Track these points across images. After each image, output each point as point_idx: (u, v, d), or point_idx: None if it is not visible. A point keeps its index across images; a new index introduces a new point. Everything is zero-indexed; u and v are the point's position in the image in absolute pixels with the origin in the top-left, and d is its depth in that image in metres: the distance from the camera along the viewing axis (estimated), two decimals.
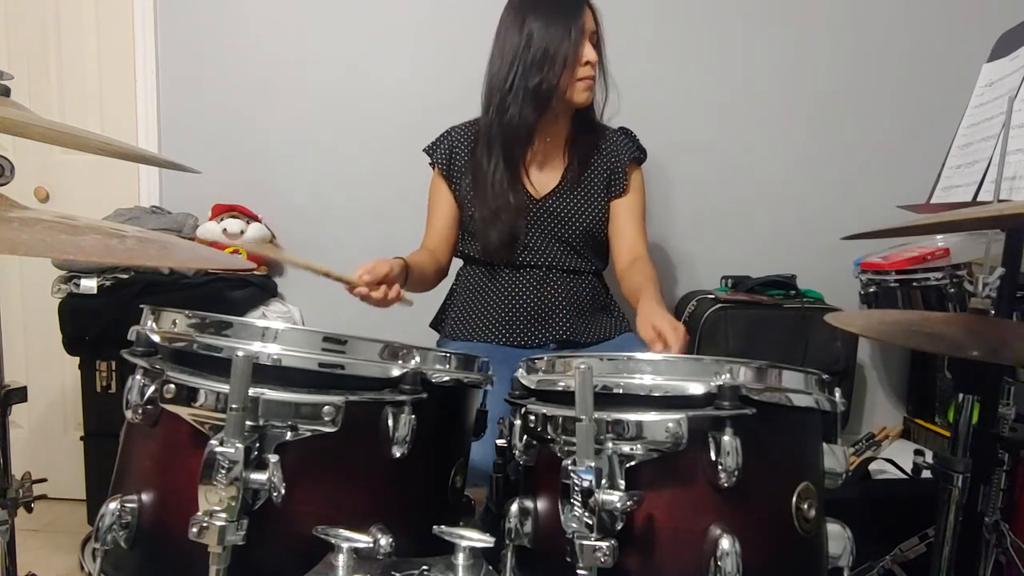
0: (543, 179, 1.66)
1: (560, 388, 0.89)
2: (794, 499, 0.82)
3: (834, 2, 2.25)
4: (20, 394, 1.14)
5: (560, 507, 0.79)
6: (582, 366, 0.74)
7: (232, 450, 0.72)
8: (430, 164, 1.72)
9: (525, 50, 1.53)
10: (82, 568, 0.85)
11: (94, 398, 2.03)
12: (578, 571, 0.72)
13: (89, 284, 1.92)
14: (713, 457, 0.76)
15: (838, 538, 0.89)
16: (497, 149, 1.60)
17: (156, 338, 0.87)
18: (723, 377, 0.79)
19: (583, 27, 1.53)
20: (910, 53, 2.25)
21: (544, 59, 1.52)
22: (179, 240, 1.05)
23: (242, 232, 2.15)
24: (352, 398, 0.80)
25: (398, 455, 0.83)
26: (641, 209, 1.72)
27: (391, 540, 0.80)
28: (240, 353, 0.73)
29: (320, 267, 1.24)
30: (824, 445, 0.90)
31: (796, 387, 0.85)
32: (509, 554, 0.88)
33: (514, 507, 0.89)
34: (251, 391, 0.74)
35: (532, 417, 0.87)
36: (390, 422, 0.83)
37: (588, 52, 1.54)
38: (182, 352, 0.85)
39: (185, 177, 2.00)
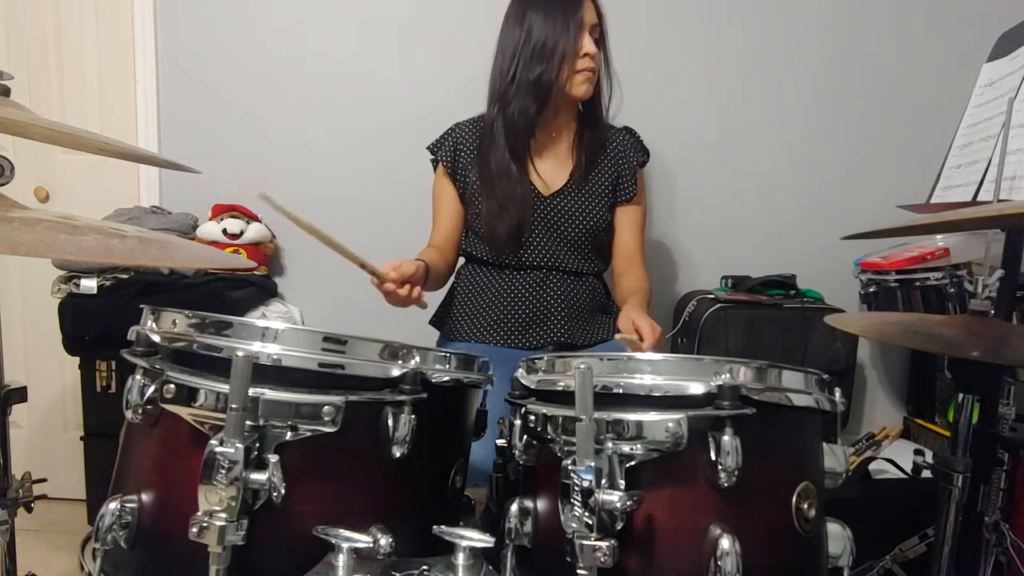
0: (550, 176, 1.66)
1: (560, 388, 0.89)
2: (794, 499, 0.82)
3: (834, 2, 2.25)
4: (20, 394, 1.14)
5: (560, 507, 0.79)
6: (582, 366, 0.74)
7: (232, 450, 0.72)
8: (432, 161, 1.72)
9: (525, 43, 1.54)
10: (82, 568, 0.85)
11: (94, 398, 2.03)
12: (578, 571, 0.72)
13: (89, 284, 1.92)
14: (713, 457, 0.76)
15: (838, 538, 0.89)
16: (502, 143, 1.61)
17: (156, 338, 0.87)
18: (723, 377, 0.79)
19: (582, 19, 1.54)
20: (910, 53, 2.25)
21: (543, 51, 1.53)
22: (179, 240, 1.06)
23: (242, 232, 2.15)
24: (352, 398, 0.80)
25: (398, 455, 0.83)
26: (643, 215, 1.74)
27: (391, 540, 0.80)
28: (240, 353, 0.73)
29: (355, 255, 1.22)
30: (824, 445, 0.90)
31: (796, 387, 0.85)
32: (509, 554, 0.88)
33: (514, 507, 0.89)
34: (251, 391, 0.74)
35: (532, 417, 0.87)
36: (390, 422, 0.83)
37: (587, 44, 1.54)
38: (182, 352, 0.85)
39: (185, 177, 2.00)
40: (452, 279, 1.78)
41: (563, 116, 1.66)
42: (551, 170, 1.67)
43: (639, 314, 1.39)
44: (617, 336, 1.38)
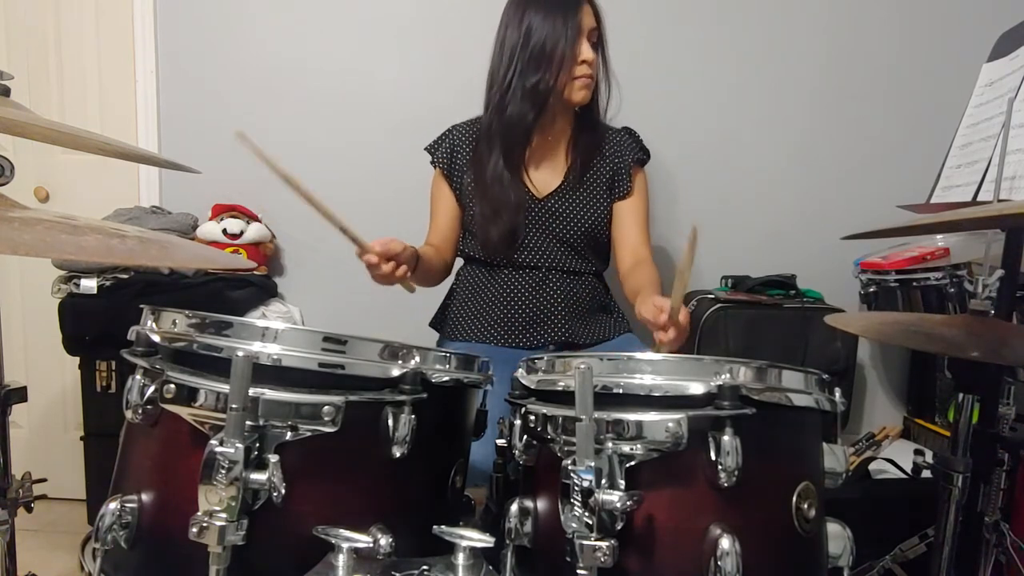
0: (545, 178, 1.66)
1: (560, 388, 0.89)
2: (794, 499, 0.82)
3: (834, 2, 2.25)
4: (20, 394, 1.14)
5: (560, 507, 0.79)
6: (582, 366, 0.74)
7: (232, 450, 0.72)
8: (431, 163, 1.72)
9: (523, 48, 1.53)
10: (82, 568, 0.85)
11: (94, 398, 2.03)
12: (578, 571, 0.72)
13: (89, 284, 1.92)
14: (713, 457, 0.76)
15: (838, 538, 0.89)
16: (497, 147, 1.61)
17: (156, 338, 0.87)
18: (723, 377, 0.79)
19: (580, 25, 1.52)
20: (910, 53, 2.25)
21: (541, 58, 1.52)
22: (179, 240, 1.06)
23: (242, 232, 2.15)
24: (352, 398, 0.80)
25: (398, 455, 0.83)
26: (645, 211, 1.71)
27: (391, 540, 0.80)
28: (240, 353, 0.73)
29: (338, 219, 1.22)
30: (824, 445, 0.90)
31: (796, 387, 0.85)
32: (509, 554, 0.88)
33: (514, 507, 0.89)
34: (251, 391, 0.74)
35: (532, 417, 0.87)
36: (390, 422, 0.83)
37: (585, 51, 1.53)
38: (182, 352, 0.85)
39: (185, 177, 2.00)
40: (451, 280, 1.78)
41: (560, 121, 1.65)
42: (546, 172, 1.67)
43: (660, 298, 1.22)
44: (643, 312, 1.23)
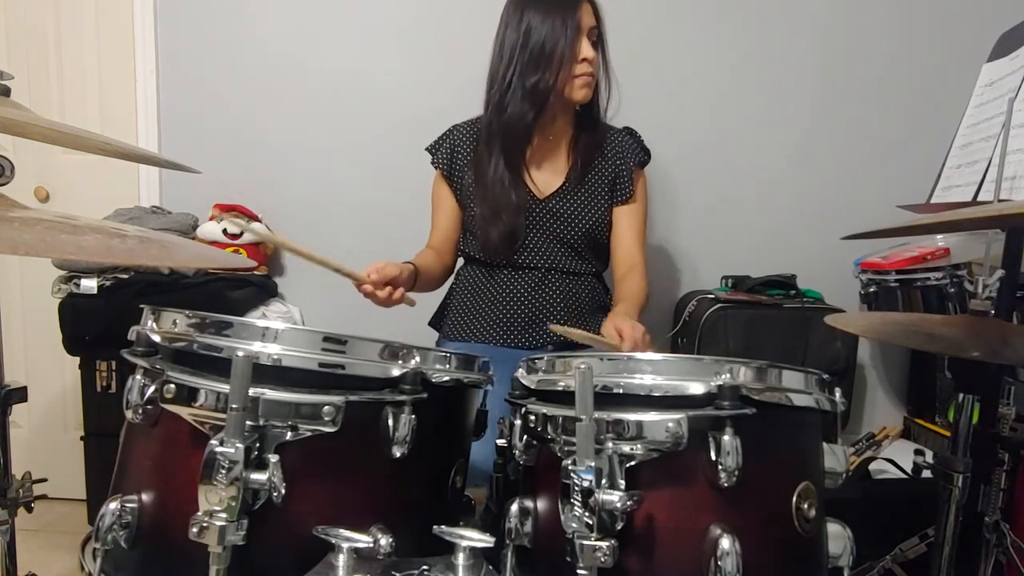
0: (546, 179, 1.66)
1: (560, 388, 0.89)
2: (794, 499, 0.82)
3: (834, 2, 2.25)
4: (20, 394, 1.14)
5: (560, 507, 0.79)
6: (582, 366, 0.74)
7: (232, 450, 0.72)
8: (432, 164, 1.72)
9: (523, 48, 1.53)
10: (82, 568, 0.85)
11: (94, 398, 2.03)
12: (578, 571, 0.72)
13: (89, 284, 1.92)
14: (713, 457, 0.76)
15: (838, 538, 0.89)
16: (497, 147, 1.60)
17: (156, 338, 0.87)
18: (723, 377, 0.79)
19: (580, 23, 1.52)
20: (910, 53, 2.25)
21: (541, 57, 1.52)
22: (179, 240, 1.06)
23: (242, 232, 2.15)
24: (352, 398, 0.80)
25: (398, 455, 0.83)
26: (643, 216, 1.72)
27: (391, 540, 0.80)
28: (240, 353, 0.73)
29: (331, 262, 1.23)
30: (824, 445, 0.89)
31: (796, 387, 0.85)
32: (509, 554, 0.88)
33: (514, 507, 0.89)
34: (251, 391, 0.74)
35: (532, 417, 0.87)
36: (390, 422, 0.83)
37: (585, 49, 1.53)
38: (182, 352, 0.85)
39: (185, 177, 2.00)
40: (451, 280, 1.78)
41: (561, 120, 1.65)
42: (547, 173, 1.66)
43: (621, 319, 1.35)
44: (593, 341, 1.31)
